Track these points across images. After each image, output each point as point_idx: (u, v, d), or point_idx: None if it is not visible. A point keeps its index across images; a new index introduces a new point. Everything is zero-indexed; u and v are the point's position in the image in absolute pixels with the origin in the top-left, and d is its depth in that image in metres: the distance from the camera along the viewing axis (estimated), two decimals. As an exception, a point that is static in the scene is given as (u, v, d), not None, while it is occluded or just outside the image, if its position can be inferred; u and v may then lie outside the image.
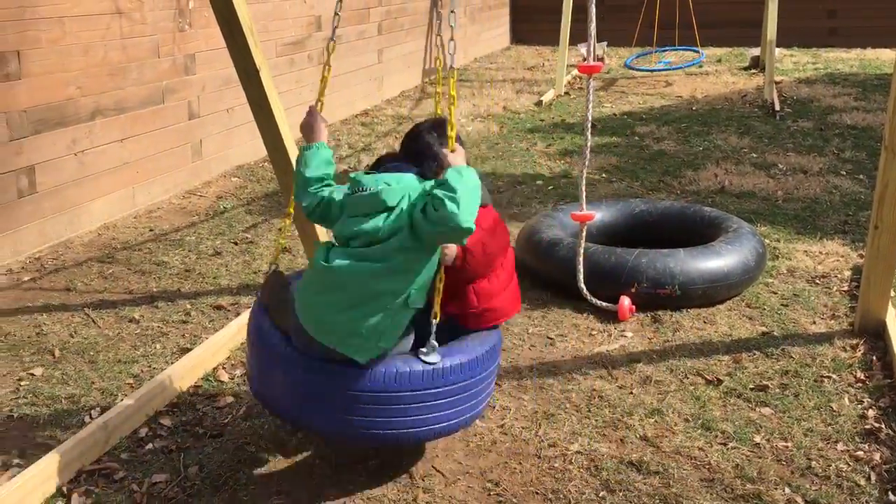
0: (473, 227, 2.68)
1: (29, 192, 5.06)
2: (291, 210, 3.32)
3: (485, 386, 2.98)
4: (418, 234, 2.74)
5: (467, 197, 2.69)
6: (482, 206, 2.84)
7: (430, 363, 2.78)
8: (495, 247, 3.12)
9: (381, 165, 2.99)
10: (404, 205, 2.76)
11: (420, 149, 3.04)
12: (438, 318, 2.83)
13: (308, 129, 3.09)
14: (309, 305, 2.80)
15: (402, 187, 2.79)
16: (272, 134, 4.23)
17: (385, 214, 2.75)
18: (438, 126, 3.07)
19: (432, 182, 2.83)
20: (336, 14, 3.27)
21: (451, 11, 3.01)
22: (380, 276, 2.73)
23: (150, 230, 5.62)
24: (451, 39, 2.92)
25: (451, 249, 2.93)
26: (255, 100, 4.14)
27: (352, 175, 2.91)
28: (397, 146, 3.26)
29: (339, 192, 2.96)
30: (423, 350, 2.81)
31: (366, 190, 2.80)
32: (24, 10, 4.95)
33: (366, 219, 2.77)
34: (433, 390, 2.78)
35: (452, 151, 2.92)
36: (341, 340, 2.72)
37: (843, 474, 2.99)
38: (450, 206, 2.64)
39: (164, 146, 6.26)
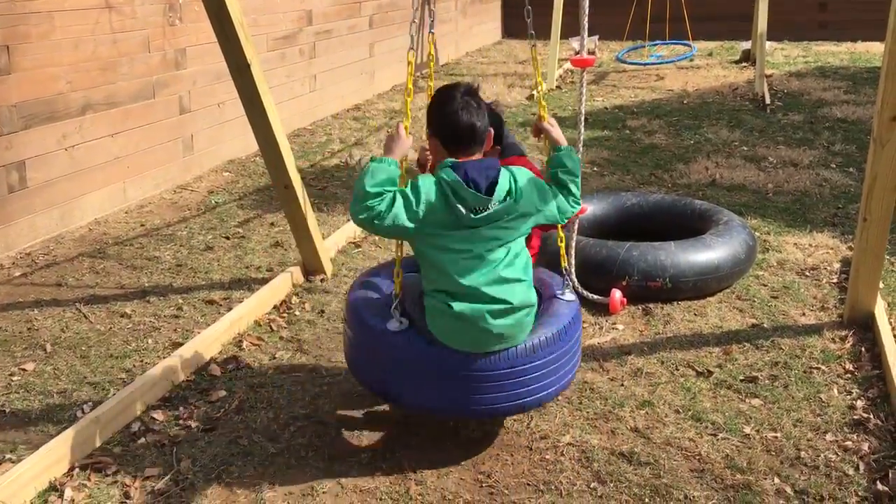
0: None
1: (20, 188, 5.05)
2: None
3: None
4: (539, 218, 2.98)
5: None
6: (523, 155, 3.40)
7: (571, 300, 3.13)
8: None
9: (463, 166, 2.84)
10: (533, 204, 2.93)
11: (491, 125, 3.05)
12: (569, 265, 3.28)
13: (388, 143, 3.01)
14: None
15: (524, 187, 2.90)
16: (263, 128, 4.23)
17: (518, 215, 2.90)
18: (471, 92, 3.01)
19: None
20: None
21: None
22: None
23: (142, 225, 5.61)
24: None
25: None
26: (246, 94, 4.15)
27: (469, 196, 2.81)
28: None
29: (401, 207, 2.81)
30: (560, 292, 3.16)
31: (491, 206, 2.82)
32: (13, 4, 4.93)
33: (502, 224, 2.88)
34: (577, 335, 3.11)
35: (550, 125, 3.13)
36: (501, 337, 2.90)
37: (832, 464, 3.01)
38: (578, 202, 3.06)
39: (155, 141, 6.25)
